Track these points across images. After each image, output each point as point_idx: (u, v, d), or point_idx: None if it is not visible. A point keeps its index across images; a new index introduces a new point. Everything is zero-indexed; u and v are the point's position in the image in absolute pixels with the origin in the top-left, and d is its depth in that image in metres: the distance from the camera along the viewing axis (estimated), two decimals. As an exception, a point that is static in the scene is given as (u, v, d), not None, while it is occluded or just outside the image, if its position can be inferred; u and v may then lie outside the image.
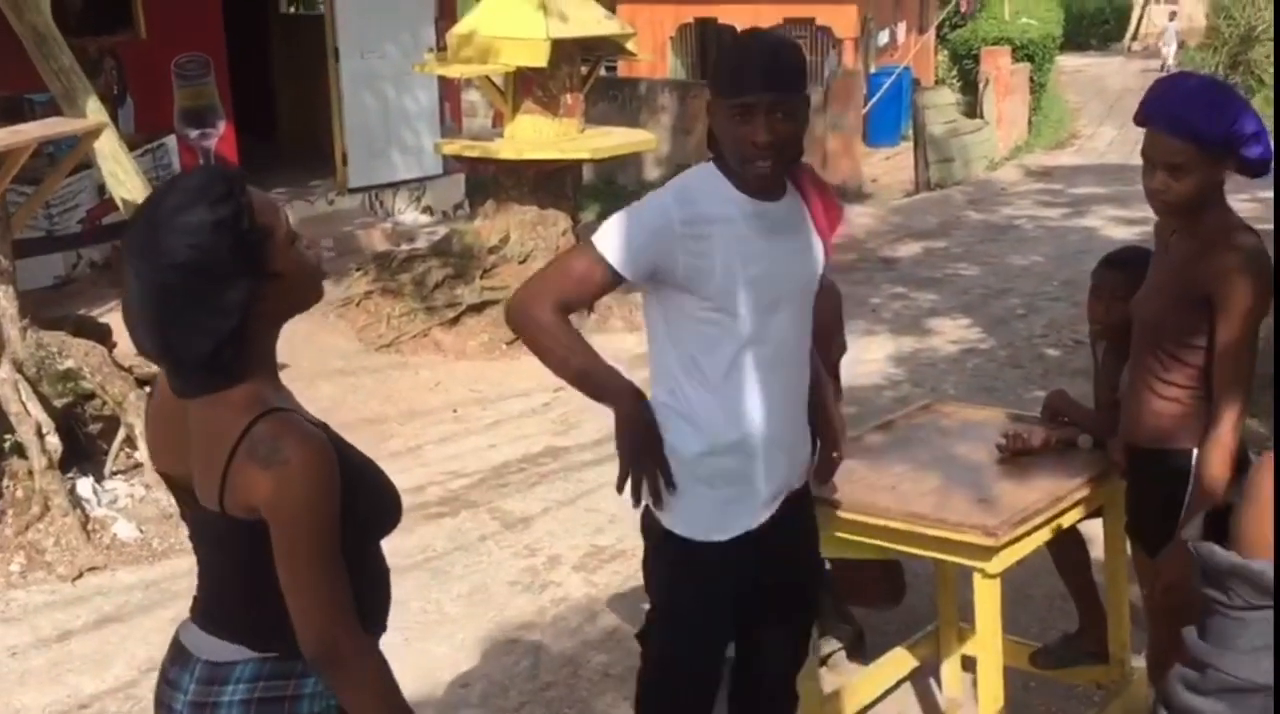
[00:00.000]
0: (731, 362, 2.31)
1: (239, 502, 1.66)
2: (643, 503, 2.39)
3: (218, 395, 1.67)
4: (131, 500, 4.99)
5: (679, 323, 2.31)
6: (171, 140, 8.93)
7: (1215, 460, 2.49)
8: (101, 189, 6.58)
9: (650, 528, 2.43)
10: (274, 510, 1.62)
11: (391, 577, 1.90)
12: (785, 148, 2.24)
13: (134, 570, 4.57)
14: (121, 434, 5.12)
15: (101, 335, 5.55)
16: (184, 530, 5.04)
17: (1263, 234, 2.60)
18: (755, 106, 2.19)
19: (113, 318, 6.10)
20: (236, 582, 1.78)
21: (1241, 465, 2.59)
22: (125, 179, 5.80)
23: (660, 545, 2.41)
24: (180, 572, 4.58)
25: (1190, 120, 2.46)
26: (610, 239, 2.26)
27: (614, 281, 2.29)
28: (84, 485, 4.95)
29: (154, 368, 5.99)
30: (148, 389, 5.20)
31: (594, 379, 2.36)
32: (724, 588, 2.42)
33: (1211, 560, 1.29)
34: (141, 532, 4.79)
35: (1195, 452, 2.56)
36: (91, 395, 5.11)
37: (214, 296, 1.62)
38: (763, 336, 2.31)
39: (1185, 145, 2.46)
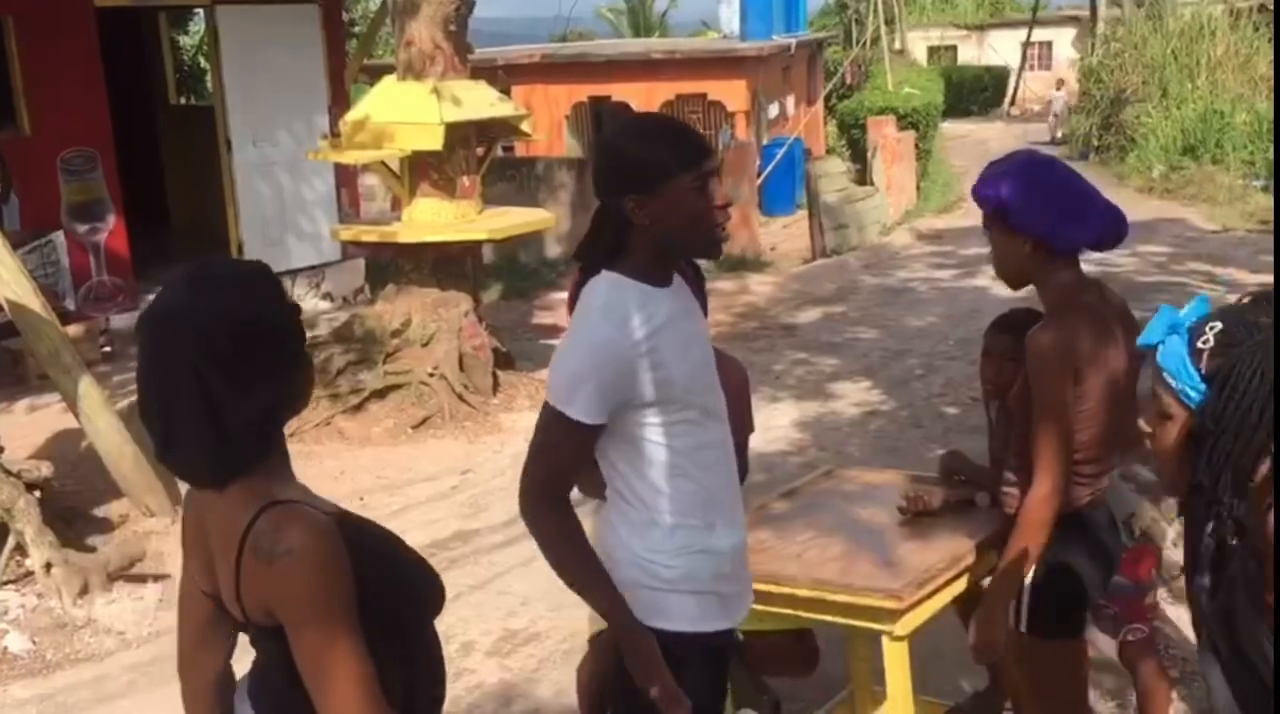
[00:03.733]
0: (710, 454, 2.27)
1: (254, 606, 1.63)
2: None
3: (233, 487, 1.66)
4: (24, 611, 4.80)
5: (656, 442, 2.20)
6: (59, 236, 8.76)
7: (1023, 534, 2.59)
8: (-14, 289, 6.41)
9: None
10: (283, 607, 1.59)
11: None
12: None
13: (28, 685, 4.39)
14: (11, 542, 4.94)
15: (-12, 440, 5.36)
16: (79, 640, 4.86)
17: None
18: (714, 171, 2.20)
19: (0, 422, 5.92)
20: (271, 686, 1.75)
21: (1089, 541, 2.68)
22: (9, 279, 5.66)
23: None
24: (78, 683, 4.41)
25: (976, 189, 2.68)
26: (572, 396, 2.12)
27: (596, 433, 2.16)
28: (-28, 598, 4.75)
29: (44, 472, 5.76)
30: (38, 494, 5.05)
31: (599, 603, 2.23)
32: None
33: None
34: (34, 643, 4.60)
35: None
36: (-22, 503, 4.93)
37: (283, 359, 1.67)
38: (718, 420, 2.30)
39: (981, 211, 2.69)
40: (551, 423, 2.16)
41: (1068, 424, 2.57)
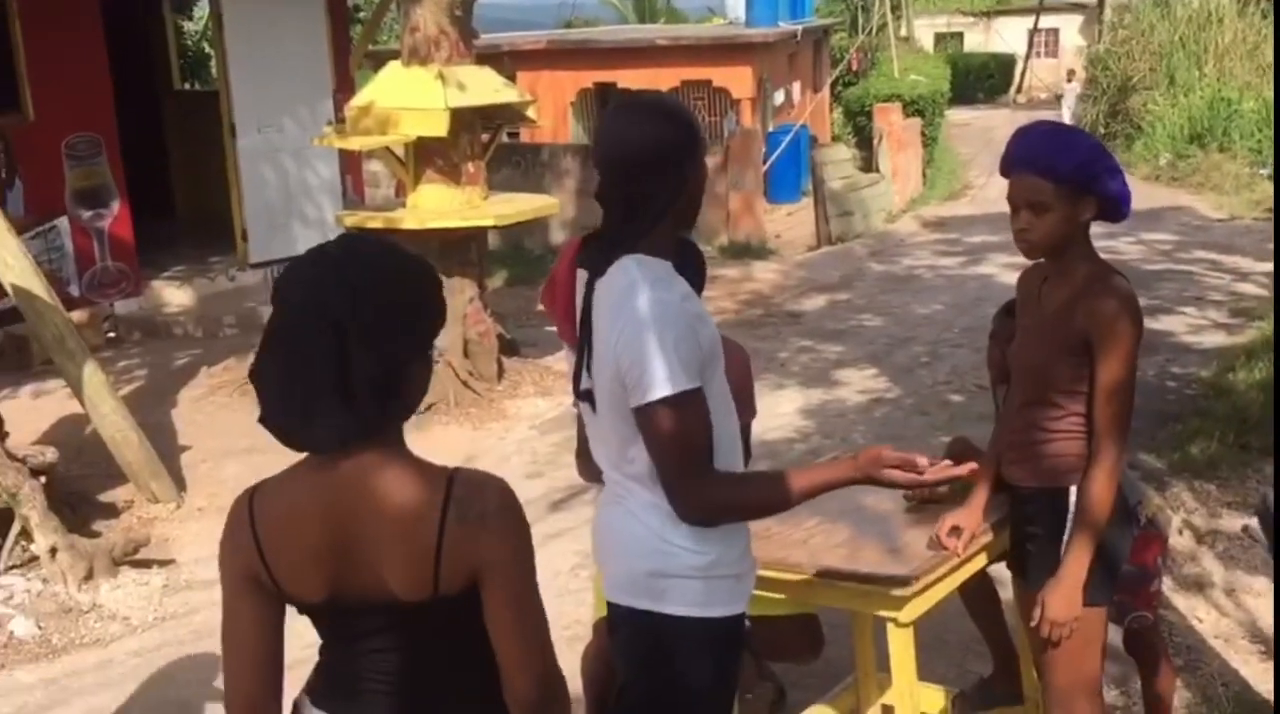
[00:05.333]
0: (734, 431, 2.28)
1: (458, 573, 1.66)
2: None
3: (376, 462, 1.66)
4: (29, 596, 4.80)
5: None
6: (63, 222, 8.76)
7: (1101, 497, 2.57)
8: (-9, 274, 6.41)
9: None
10: (496, 562, 1.66)
11: (290, 667, 1.85)
12: None
13: (33, 669, 4.39)
14: (16, 527, 4.94)
15: (-7, 425, 5.37)
16: (85, 625, 4.86)
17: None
18: None
19: (5, 407, 5.91)
20: (448, 676, 1.76)
21: (1120, 509, 2.67)
22: (14, 264, 5.66)
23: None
24: (83, 668, 4.42)
25: (1045, 157, 2.57)
26: (671, 373, 2.07)
27: (703, 396, 2.13)
28: (-23, 583, 4.76)
29: (49, 457, 5.76)
30: (43, 480, 5.06)
31: (802, 490, 2.20)
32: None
33: None
34: (40, 628, 4.61)
35: (1073, 490, 2.64)
36: (-17, 488, 4.93)
37: (416, 326, 1.70)
38: (731, 399, 2.28)
39: (1042, 181, 2.57)
40: (667, 412, 2.07)
41: (1134, 385, 2.57)
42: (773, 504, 2.22)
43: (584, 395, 2.22)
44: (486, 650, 1.71)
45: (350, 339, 1.63)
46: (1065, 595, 2.58)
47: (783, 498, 2.19)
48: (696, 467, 2.11)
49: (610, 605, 2.30)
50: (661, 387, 2.07)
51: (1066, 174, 2.54)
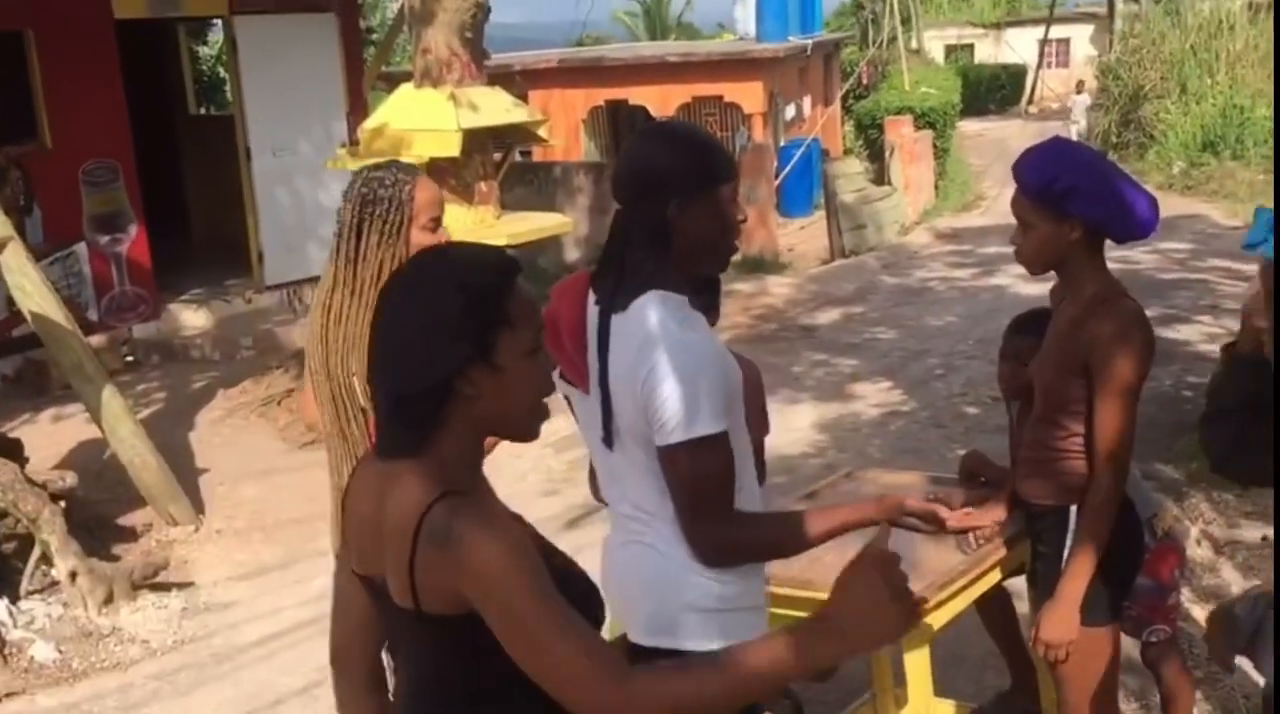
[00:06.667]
0: (751, 461, 2.25)
1: (433, 593, 1.60)
2: None
3: (404, 469, 1.65)
4: (49, 620, 4.83)
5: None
6: (82, 247, 8.83)
7: (1096, 521, 2.54)
8: (10, 302, 6.47)
9: None
10: (475, 590, 1.57)
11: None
12: None
13: (53, 693, 4.42)
14: (37, 552, 4.98)
15: (13, 451, 5.41)
16: (105, 649, 4.88)
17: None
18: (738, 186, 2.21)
19: (25, 432, 5.97)
20: (436, 693, 1.70)
21: (1129, 527, 2.66)
22: (33, 291, 5.72)
23: None
24: (104, 691, 4.44)
25: (1020, 176, 2.60)
26: (696, 415, 2.02)
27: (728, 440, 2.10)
28: (-1, 608, 4.80)
29: (68, 482, 5.78)
30: (62, 504, 5.09)
31: (821, 533, 2.21)
32: None
33: None
34: (60, 652, 4.64)
35: (1072, 509, 2.62)
36: (4, 514, 4.97)
37: (427, 345, 1.63)
38: (745, 433, 2.25)
39: (1021, 197, 2.60)
40: (694, 453, 2.03)
41: (1135, 410, 2.54)
42: (793, 546, 2.22)
43: (605, 436, 2.18)
44: (476, 687, 1.67)
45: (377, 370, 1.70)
46: (1060, 617, 2.56)
47: (803, 540, 2.19)
48: (720, 509, 2.08)
49: (633, 647, 2.23)
50: (689, 428, 2.03)
51: (1034, 192, 2.55)
